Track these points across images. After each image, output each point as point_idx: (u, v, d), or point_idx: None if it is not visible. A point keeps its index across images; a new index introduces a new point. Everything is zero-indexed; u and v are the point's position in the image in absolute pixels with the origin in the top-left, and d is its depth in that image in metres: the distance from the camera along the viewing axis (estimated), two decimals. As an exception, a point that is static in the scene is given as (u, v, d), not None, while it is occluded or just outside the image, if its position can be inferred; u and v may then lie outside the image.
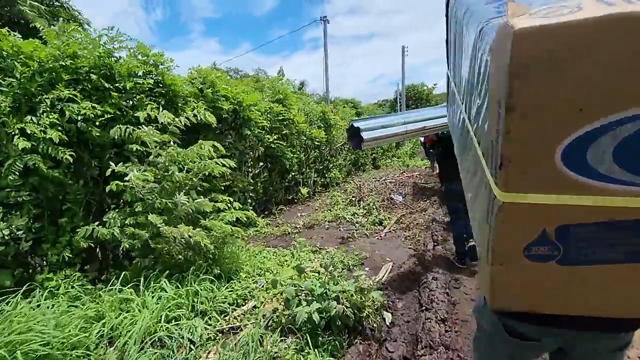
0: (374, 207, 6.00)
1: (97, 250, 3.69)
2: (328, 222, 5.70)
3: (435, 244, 4.52)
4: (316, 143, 8.35)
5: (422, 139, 18.22)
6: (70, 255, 3.18)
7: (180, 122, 3.21)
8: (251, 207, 5.79)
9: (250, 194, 5.85)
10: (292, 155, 7.09)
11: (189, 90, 4.43)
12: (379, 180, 9.77)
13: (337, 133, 10.25)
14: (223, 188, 5.00)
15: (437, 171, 11.76)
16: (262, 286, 3.13)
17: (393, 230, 5.06)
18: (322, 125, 8.97)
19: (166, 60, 3.97)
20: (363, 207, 6.16)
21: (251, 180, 5.87)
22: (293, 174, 7.33)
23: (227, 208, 4.36)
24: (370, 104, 46.10)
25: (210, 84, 4.53)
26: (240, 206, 5.13)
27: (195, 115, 3.50)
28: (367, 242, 4.53)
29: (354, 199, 6.84)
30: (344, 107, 16.04)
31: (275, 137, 6.48)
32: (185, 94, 4.31)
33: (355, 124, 3.21)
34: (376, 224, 5.38)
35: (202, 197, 3.94)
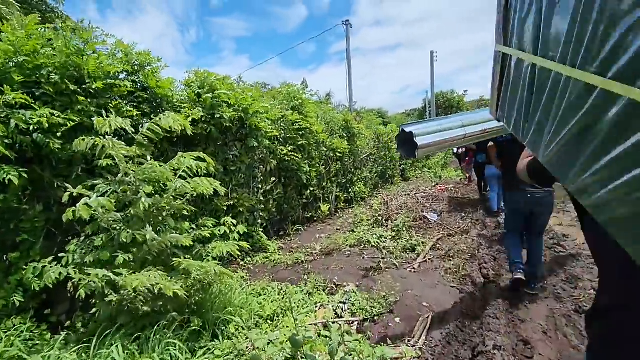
0: (404, 228, 5.07)
1: (70, 287, 3.07)
2: (350, 246, 4.84)
3: (486, 279, 3.54)
4: (338, 154, 7.57)
5: (455, 148, 16.90)
6: (22, 300, 2.56)
7: (144, 129, 2.51)
8: (262, 229, 5.07)
9: (261, 214, 5.13)
10: (309, 168, 6.34)
11: (182, 95, 3.81)
12: (409, 195, 8.80)
13: (362, 143, 9.43)
14: (226, 208, 4.31)
15: (475, 182, 10.54)
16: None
17: (429, 259, 4.12)
18: (344, 135, 8.19)
19: (153, 60, 3.37)
20: (391, 228, 5.25)
21: (261, 198, 5.15)
22: (312, 189, 6.56)
23: (218, 236, 3.66)
24: (397, 114, 44.98)
25: (210, 88, 3.89)
26: (246, 229, 4.42)
27: (176, 124, 2.79)
28: (396, 276, 3.62)
29: (380, 217, 5.94)
30: (370, 116, 15.19)
31: (290, 148, 5.77)
32: (176, 99, 3.69)
33: (407, 129, 2.91)
34: (408, 251, 4.45)
35: (188, 222, 3.25)
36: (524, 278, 3.04)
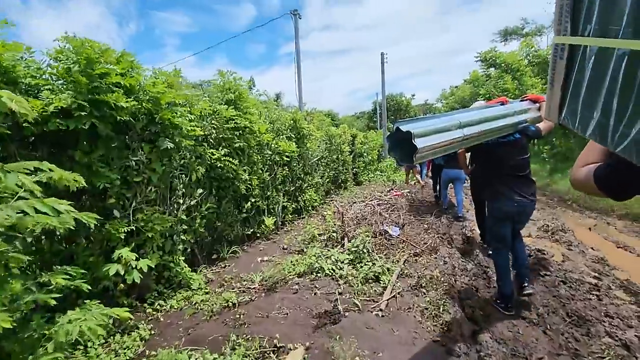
0: (364, 248, 4.19)
1: None
2: (298, 276, 3.84)
3: (476, 325, 2.75)
4: (285, 158, 6.54)
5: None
6: None
7: None
8: (183, 257, 3.86)
9: (183, 237, 3.92)
10: (250, 175, 5.23)
11: (46, 73, 2.53)
12: (365, 202, 8.04)
13: (313, 145, 8.50)
14: (123, 237, 3.06)
15: (429, 185, 10.24)
16: None
17: (397, 293, 3.26)
18: (293, 136, 7.17)
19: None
20: (348, 248, 4.35)
21: (183, 217, 3.95)
22: (253, 200, 5.45)
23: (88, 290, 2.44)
24: (347, 116, 45.20)
25: (87, 63, 2.63)
26: (157, 261, 3.23)
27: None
28: (360, 324, 2.70)
29: (335, 233, 5.03)
30: (321, 116, 14.38)
31: (224, 151, 4.62)
32: (31, 77, 2.41)
33: (404, 127, 2.40)
34: (370, 281, 3.56)
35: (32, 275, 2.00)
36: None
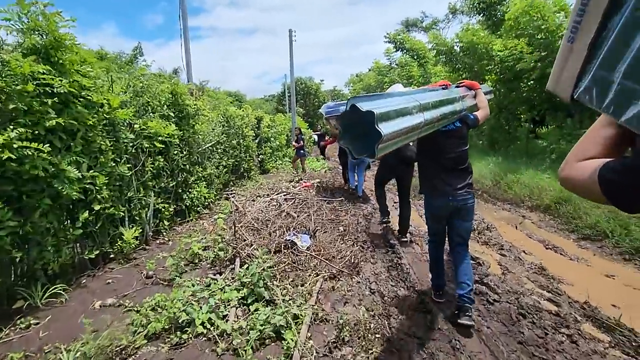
0: (261, 277, 2.90)
1: None
2: (150, 341, 2.36)
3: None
4: (159, 145, 4.77)
5: (315, 136, 16.03)
6: None
7: None
8: None
9: None
10: (91, 171, 3.42)
11: None
12: (269, 197, 6.74)
13: (204, 128, 6.78)
14: None
15: (308, 170, 9.89)
16: None
17: (310, 361, 2.08)
18: (171, 114, 5.38)
19: None
20: (240, 278, 3.01)
21: None
22: (100, 206, 3.65)
23: None
24: (256, 98, 42.74)
25: None
26: None
27: None
28: None
29: (222, 252, 3.63)
30: (220, 95, 12.39)
31: (22, 133, 2.75)
32: None
33: (363, 106, 1.83)
34: (269, 341, 2.30)
35: None
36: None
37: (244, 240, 3.85)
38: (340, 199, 6.49)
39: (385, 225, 4.74)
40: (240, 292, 2.83)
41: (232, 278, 3.13)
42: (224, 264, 3.48)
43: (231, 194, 7.53)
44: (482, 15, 10.45)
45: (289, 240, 3.92)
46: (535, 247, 3.80)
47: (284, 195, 7.02)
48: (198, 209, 6.01)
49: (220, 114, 8.20)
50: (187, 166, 5.78)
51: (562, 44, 0.73)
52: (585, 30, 0.67)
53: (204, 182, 6.31)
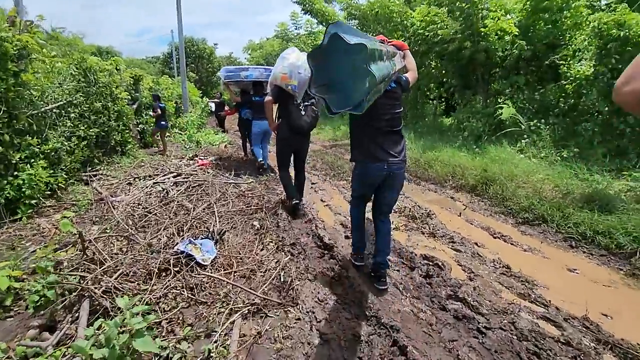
0: (125, 344, 1.59)
1: None
2: None
3: None
4: None
5: (212, 104, 14.02)
6: None
7: None
8: None
9: None
10: None
11: None
12: (152, 180, 5.04)
13: (46, 80, 4.57)
14: None
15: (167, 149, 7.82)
16: None
17: None
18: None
19: None
20: (86, 337, 1.63)
21: None
22: None
23: None
24: (135, 59, 35.89)
25: None
26: None
27: None
28: None
29: (54, 290, 2.11)
30: (76, 40, 9.36)
31: None
32: None
33: (349, 39, 1.54)
34: None
35: None
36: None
37: (102, 263, 2.34)
38: (248, 180, 5.24)
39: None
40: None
41: (72, 341, 1.72)
42: (61, 312, 1.99)
43: (94, 176, 5.48)
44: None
45: (181, 251, 2.60)
46: (482, 236, 3.40)
47: (174, 177, 5.40)
48: (34, 201, 3.99)
49: (72, 64, 5.82)
50: (6, 136, 3.69)
51: None
52: None
53: (43, 160, 4.25)
